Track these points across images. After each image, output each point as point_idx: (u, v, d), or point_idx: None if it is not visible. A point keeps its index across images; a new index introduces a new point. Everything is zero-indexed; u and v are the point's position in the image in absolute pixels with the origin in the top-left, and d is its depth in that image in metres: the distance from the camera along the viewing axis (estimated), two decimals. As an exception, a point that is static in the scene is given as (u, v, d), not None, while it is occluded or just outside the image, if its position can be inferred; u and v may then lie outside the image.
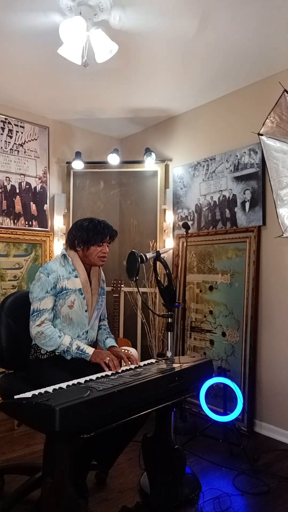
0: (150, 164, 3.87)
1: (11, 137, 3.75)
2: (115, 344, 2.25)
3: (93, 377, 1.78)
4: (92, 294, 2.16)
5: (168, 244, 3.85)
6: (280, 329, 2.97)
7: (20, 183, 3.79)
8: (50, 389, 1.58)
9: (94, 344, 2.25)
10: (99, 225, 2.12)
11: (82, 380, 1.71)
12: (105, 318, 2.39)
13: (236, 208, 3.30)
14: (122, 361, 2.05)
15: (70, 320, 2.09)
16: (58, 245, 3.93)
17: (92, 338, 2.22)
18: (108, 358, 1.95)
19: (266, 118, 2.70)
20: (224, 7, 2.32)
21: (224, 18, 2.42)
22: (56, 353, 2.05)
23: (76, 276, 2.11)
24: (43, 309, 2.02)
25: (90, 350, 2.00)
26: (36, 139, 3.92)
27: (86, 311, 2.13)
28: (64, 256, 2.14)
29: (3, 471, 2.27)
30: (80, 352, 1.99)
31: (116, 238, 2.21)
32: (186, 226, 3.32)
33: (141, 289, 3.62)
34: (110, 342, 2.26)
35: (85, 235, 2.10)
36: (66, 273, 2.10)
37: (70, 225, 3.95)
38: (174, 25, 2.49)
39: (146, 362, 2.10)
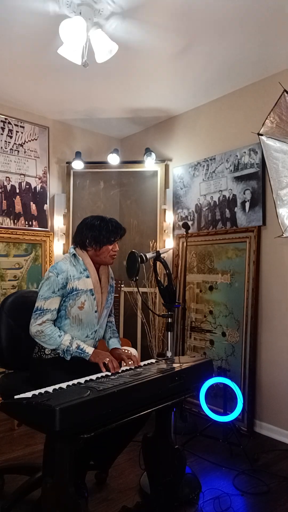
0: (150, 164, 3.87)
1: (11, 137, 3.75)
2: (118, 346, 2.23)
3: (93, 377, 1.78)
4: (102, 293, 2.14)
5: (168, 244, 3.85)
6: (280, 329, 2.97)
7: (20, 183, 3.79)
8: (50, 389, 1.58)
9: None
10: (111, 224, 2.08)
11: (82, 380, 1.71)
12: (112, 314, 2.36)
13: (236, 208, 3.30)
14: (122, 361, 2.05)
15: (80, 321, 2.07)
16: (58, 245, 3.93)
17: (100, 336, 2.21)
18: (108, 359, 1.94)
19: (266, 118, 2.70)
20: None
21: (224, 19, 2.42)
22: (59, 354, 2.04)
23: (87, 276, 2.07)
24: (46, 309, 2.00)
25: (90, 350, 1.99)
26: (36, 139, 3.92)
27: (96, 311, 2.10)
28: (74, 255, 2.10)
29: (3, 471, 2.27)
30: (80, 351, 1.98)
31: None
32: (186, 226, 3.32)
33: (141, 289, 3.62)
34: (113, 343, 2.24)
35: (98, 234, 2.05)
36: (77, 273, 2.06)
37: (70, 225, 3.95)
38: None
39: (146, 362, 2.10)
